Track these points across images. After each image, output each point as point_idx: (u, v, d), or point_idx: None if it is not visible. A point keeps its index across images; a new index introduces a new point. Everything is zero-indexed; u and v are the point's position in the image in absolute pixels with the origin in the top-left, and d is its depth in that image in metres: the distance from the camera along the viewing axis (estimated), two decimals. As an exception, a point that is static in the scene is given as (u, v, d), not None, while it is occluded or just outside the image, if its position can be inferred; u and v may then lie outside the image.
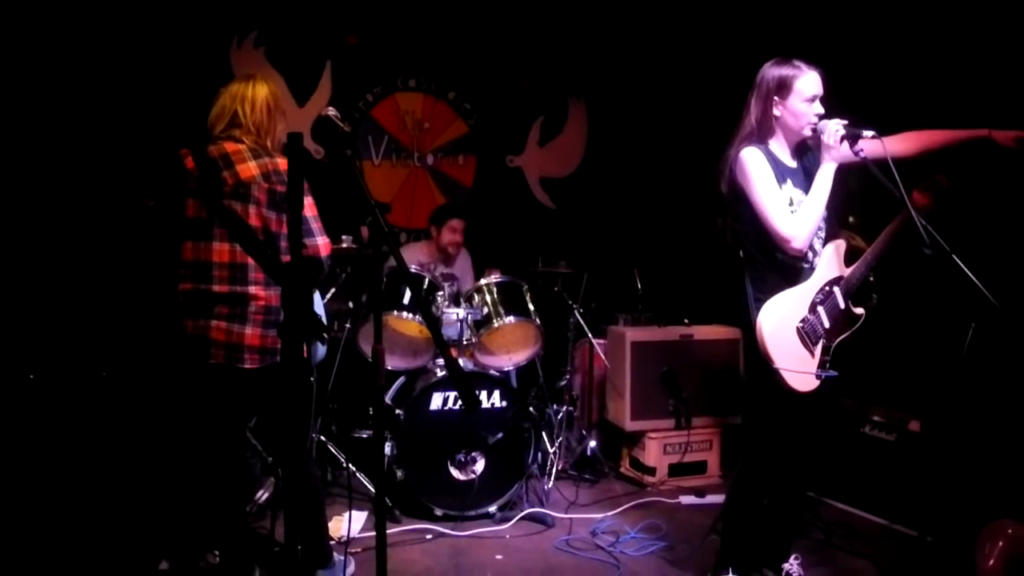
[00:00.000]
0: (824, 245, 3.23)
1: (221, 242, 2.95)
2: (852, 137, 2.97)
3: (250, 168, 2.96)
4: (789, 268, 3.14)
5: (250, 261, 2.95)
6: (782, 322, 3.09)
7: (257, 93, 3.06)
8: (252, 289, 2.96)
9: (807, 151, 3.22)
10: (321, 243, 3.04)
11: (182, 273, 2.98)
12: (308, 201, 3.01)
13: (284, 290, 2.73)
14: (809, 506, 4.29)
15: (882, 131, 2.93)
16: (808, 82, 3.05)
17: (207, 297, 2.94)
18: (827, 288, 3.18)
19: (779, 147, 3.17)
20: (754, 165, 3.06)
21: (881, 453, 4.38)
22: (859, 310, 3.22)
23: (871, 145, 2.97)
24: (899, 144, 3.06)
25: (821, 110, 3.06)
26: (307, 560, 3.11)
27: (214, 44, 5.40)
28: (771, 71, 3.10)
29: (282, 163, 3.01)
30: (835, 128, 2.97)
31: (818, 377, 3.11)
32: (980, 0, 4.30)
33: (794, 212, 3.06)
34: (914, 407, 4.32)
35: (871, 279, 3.38)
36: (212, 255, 2.95)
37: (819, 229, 3.19)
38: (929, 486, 3.91)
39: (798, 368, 3.07)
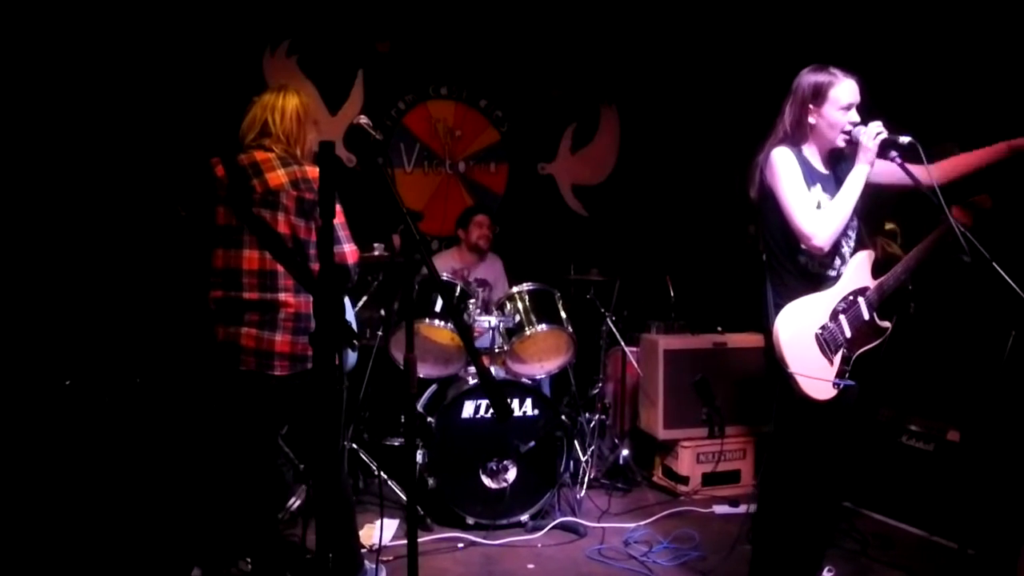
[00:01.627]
0: (853, 254, 3.18)
1: (251, 249, 2.98)
2: (890, 143, 2.94)
3: (279, 176, 2.99)
4: (812, 274, 3.09)
5: (280, 268, 2.97)
6: (801, 328, 3.04)
7: (287, 103, 3.09)
8: (282, 296, 2.98)
9: (841, 160, 3.18)
10: (348, 250, 3.05)
11: (212, 281, 3.02)
12: (338, 208, 3.01)
13: (315, 297, 2.76)
14: (845, 517, 4.24)
15: (920, 139, 2.89)
16: (844, 90, 3.01)
17: (238, 304, 2.97)
18: (851, 297, 3.12)
19: (811, 153, 3.13)
20: (783, 163, 3.03)
21: (919, 463, 4.30)
22: (885, 323, 3.16)
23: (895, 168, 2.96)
24: (922, 173, 3.00)
25: (857, 118, 3.02)
26: (338, 568, 3.11)
27: (247, 53, 5.45)
28: (807, 77, 3.07)
29: (311, 171, 3.03)
30: (875, 131, 2.93)
31: (836, 386, 3.07)
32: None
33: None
34: (953, 417, 4.25)
35: (910, 287, 3.33)
36: (242, 262, 2.98)
37: (847, 236, 3.14)
38: (969, 497, 3.84)
39: (815, 375, 3.03)
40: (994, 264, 2.74)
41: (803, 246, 3.00)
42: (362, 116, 2.80)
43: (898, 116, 3.21)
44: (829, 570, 3.45)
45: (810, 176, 3.07)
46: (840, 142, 3.05)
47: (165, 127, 5.09)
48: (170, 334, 4.76)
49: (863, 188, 3.02)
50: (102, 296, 4.78)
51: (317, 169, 2.94)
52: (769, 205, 3.10)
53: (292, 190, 2.99)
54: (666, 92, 6.47)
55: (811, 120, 3.06)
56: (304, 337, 3.00)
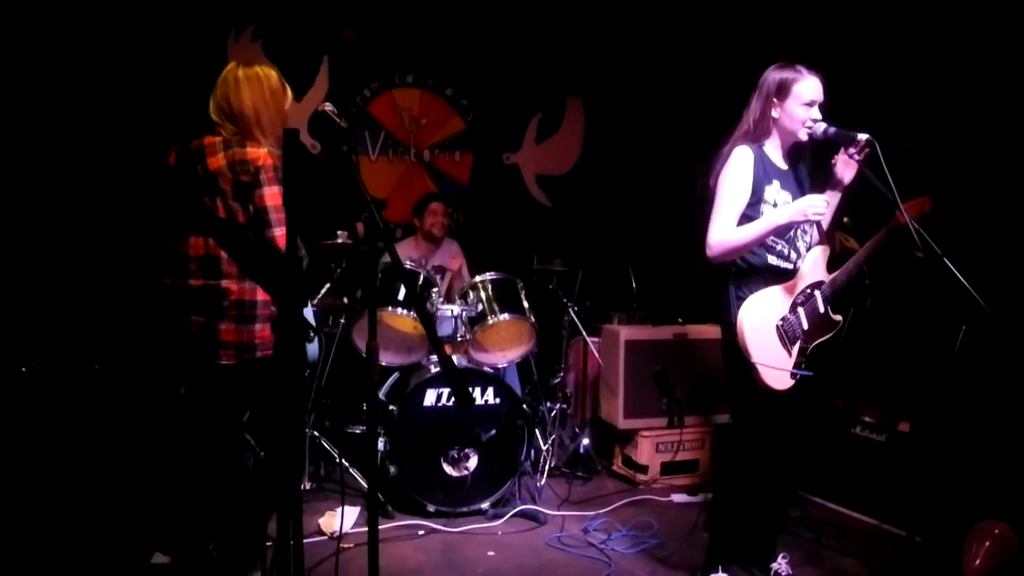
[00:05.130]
0: (810, 248, 3.27)
1: (196, 236, 2.94)
2: (846, 140, 3.03)
3: (218, 159, 2.91)
4: (772, 268, 3.18)
5: (223, 254, 2.92)
6: (763, 319, 3.13)
7: (246, 79, 3.00)
8: (224, 283, 2.92)
9: (800, 159, 3.27)
10: (278, 235, 2.90)
11: (165, 268, 2.99)
12: (272, 191, 2.89)
13: (275, 285, 2.74)
14: (799, 505, 4.32)
15: (878, 137, 2.96)
16: (807, 87, 3.09)
17: (185, 291, 2.94)
18: (809, 291, 3.22)
19: (773, 148, 3.22)
20: (736, 166, 3.13)
21: (871, 453, 4.40)
22: (837, 316, 3.26)
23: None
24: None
25: (817, 115, 3.10)
26: (225, 562, 3.10)
27: (211, 37, 5.39)
28: (773, 74, 3.15)
29: (251, 152, 2.91)
30: (815, 209, 2.99)
31: (793, 376, 3.15)
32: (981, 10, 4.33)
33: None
34: (905, 408, 4.35)
35: (867, 281, 3.42)
36: (188, 248, 2.95)
37: (804, 232, 3.24)
38: (918, 487, 3.93)
39: (775, 366, 3.11)
40: (945, 260, 2.82)
41: (703, 244, 3.14)
42: (327, 103, 2.77)
43: (858, 114, 3.29)
44: (783, 556, 3.51)
45: (769, 173, 3.15)
46: (802, 136, 3.13)
47: (125, 111, 5.02)
48: (128, 320, 4.72)
49: (840, 196, 3.17)
50: (60, 281, 4.72)
51: (259, 150, 2.89)
52: None
53: (228, 173, 2.89)
54: (631, 84, 6.52)
55: (774, 114, 3.14)
56: (250, 325, 2.94)
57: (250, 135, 2.97)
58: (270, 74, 3.06)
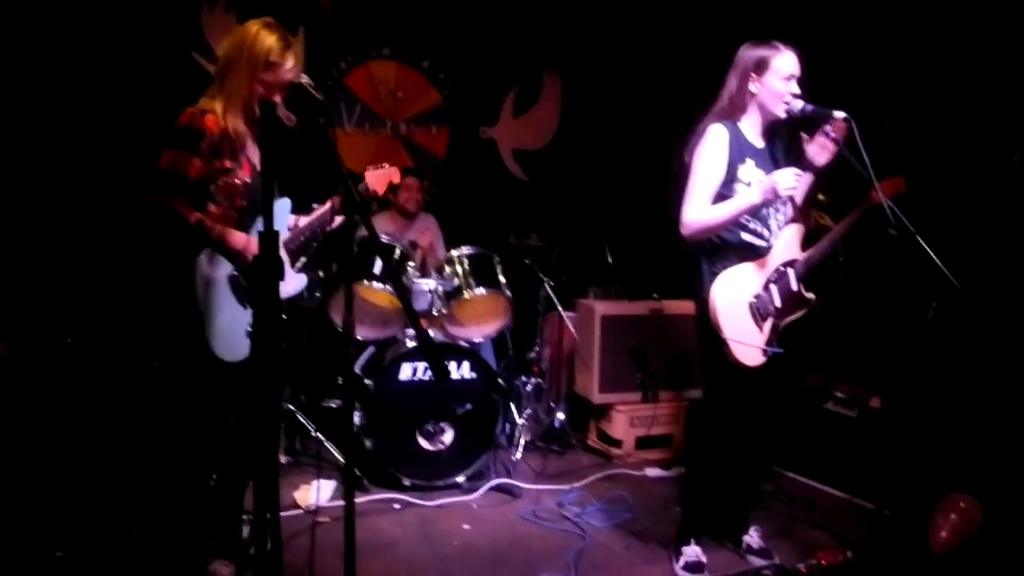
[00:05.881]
0: (784, 226, 3.28)
1: None
2: (824, 117, 3.04)
3: None
4: (746, 245, 3.20)
5: None
6: (736, 296, 3.15)
7: (233, 32, 2.85)
8: None
9: (776, 137, 3.28)
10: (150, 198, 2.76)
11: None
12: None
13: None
14: (771, 479, 4.37)
15: (855, 115, 2.97)
16: (785, 61, 3.10)
17: None
18: (782, 268, 3.24)
19: (750, 126, 3.22)
20: (712, 143, 3.14)
21: (843, 429, 4.46)
22: (810, 294, 3.28)
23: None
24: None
25: (796, 90, 3.11)
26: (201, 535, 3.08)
27: (184, 8, 5.29)
28: (750, 50, 3.16)
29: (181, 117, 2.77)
30: (786, 184, 2.99)
31: (764, 353, 3.18)
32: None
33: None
34: (876, 384, 4.40)
35: (840, 259, 3.44)
36: None
37: (777, 209, 3.26)
38: (888, 461, 3.99)
39: (747, 342, 3.13)
40: (918, 237, 2.85)
41: (678, 222, 3.17)
42: (304, 76, 2.75)
43: (833, 93, 3.30)
44: (755, 530, 3.57)
45: (744, 151, 3.17)
46: (780, 112, 3.13)
47: (97, 83, 4.94)
48: (102, 294, 4.68)
49: (812, 175, 3.18)
50: (33, 256, 4.67)
51: (189, 108, 2.75)
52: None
53: None
54: (609, 59, 6.49)
55: (752, 89, 3.15)
56: None
57: (212, 90, 2.83)
58: (254, 31, 2.79)
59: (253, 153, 2.93)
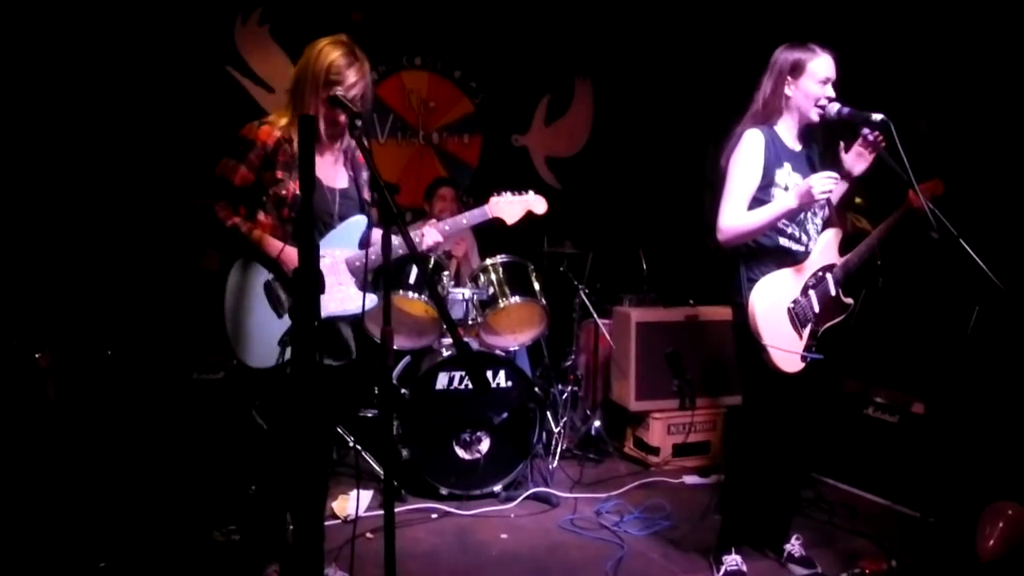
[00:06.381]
0: (821, 230, 3.25)
1: None
2: (861, 120, 3.01)
3: None
4: (783, 251, 3.17)
5: None
6: (775, 302, 3.12)
7: (303, 54, 2.91)
8: None
9: (813, 140, 3.25)
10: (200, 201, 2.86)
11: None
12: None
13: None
14: (812, 487, 4.32)
15: (892, 117, 2.93)
16: (821, 64, 3.07)
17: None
18: (820, 273, 3.21)
19: (786, 129, 3.19)
20: (748, 148, 3.11)
21: (884, 435, 4.40)
22: (849, 299, 3.25)
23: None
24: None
25: (832, 93, 3.08)
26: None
27: (218, 23, 5.36)
28: (786, 53, 3.13)
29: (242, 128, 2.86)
30: (822, 187, 2.94)
31: (804, 359, 3.14)
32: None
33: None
34: (918, 389, 4.34)
35: (879, 262, 3.40)
36: None
37: (815, 213, 3.22)
38: (931, 468, 3.93)
39: (786, 348, 3.10)
40: (961, 240, 2.80)
41: (713, 228, 3.15)
42: (338, 87, 2.77)
43: (871, 93, 3.27)
44: (796, 538, 3.52)
45: (780, 155, 3.14)
46: (814, 116, 3.10)
47: (133, 97, 5.02)
48: (141, 306, 4.74)
49: (848, 182, 3.18)
50: (74, 268, 4.74)
51: (248, 124, 2.84)
52: None
53: None
54: (641, 65, 6.48)
55: (788, 92, 3.12)
56: None
57: (289, 104, 2.91)
58: (320, 47, 2.87)
59: (323, 168, 2.91)
